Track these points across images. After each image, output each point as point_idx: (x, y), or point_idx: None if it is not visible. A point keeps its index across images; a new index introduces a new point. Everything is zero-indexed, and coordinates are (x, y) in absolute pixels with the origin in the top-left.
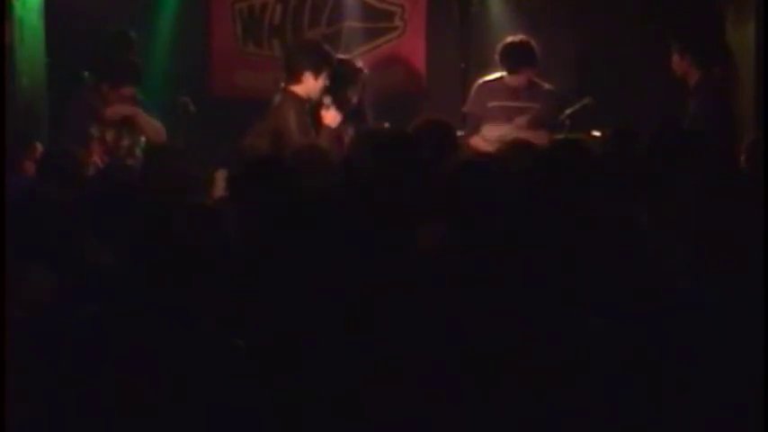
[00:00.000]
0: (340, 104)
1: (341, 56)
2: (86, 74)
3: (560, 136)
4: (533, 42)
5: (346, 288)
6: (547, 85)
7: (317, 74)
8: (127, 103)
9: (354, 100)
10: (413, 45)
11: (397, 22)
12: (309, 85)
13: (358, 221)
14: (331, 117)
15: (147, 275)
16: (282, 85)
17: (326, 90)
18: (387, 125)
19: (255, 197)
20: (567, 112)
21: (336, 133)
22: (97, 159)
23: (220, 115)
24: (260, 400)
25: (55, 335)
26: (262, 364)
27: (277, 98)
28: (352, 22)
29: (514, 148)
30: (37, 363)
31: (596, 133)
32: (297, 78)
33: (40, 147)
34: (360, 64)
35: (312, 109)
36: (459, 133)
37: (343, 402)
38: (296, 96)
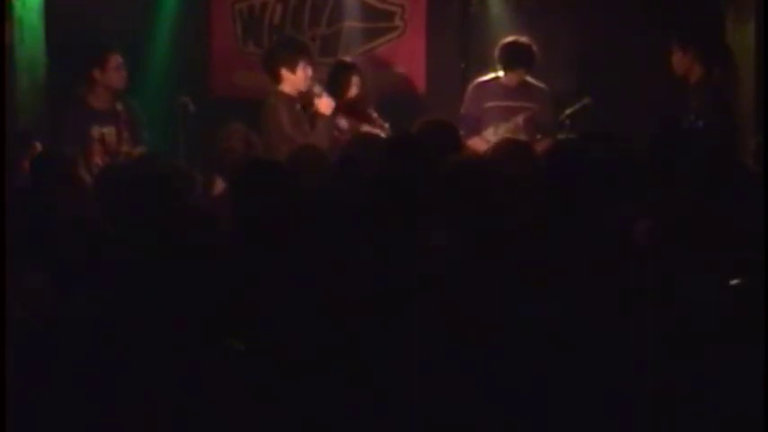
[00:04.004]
0: (334, 98)
1: (340, 56)
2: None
3: (561, 136)
4: (533, 44)
5: (346, 290)
6: (541, 85)
7: (292, 67)
8: (122, 71)
9: (352, 94)
10: (413, 45)
11: (397, 22)
12: (290, 79)
13: (358, 223)
14: (324, 105)
15: (145, 276)
16: (272, 87)
17: (315, 79)
18: (387, 125)
19: (254, 199)
20: (567, 112)
21: (332, 123)
22: (98, 160)
23: (220, 115)
24: (257, 401)
25: (53, 335)
26: (260, 365)
27: (270, 100)
28: (352, 22)
29: (512, 149)
30: (35, 363)
31: None
32: (278, 77)
33: (39, 147)
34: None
35: (304, 102)
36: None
37: (344, 403)
38: (284, 95)
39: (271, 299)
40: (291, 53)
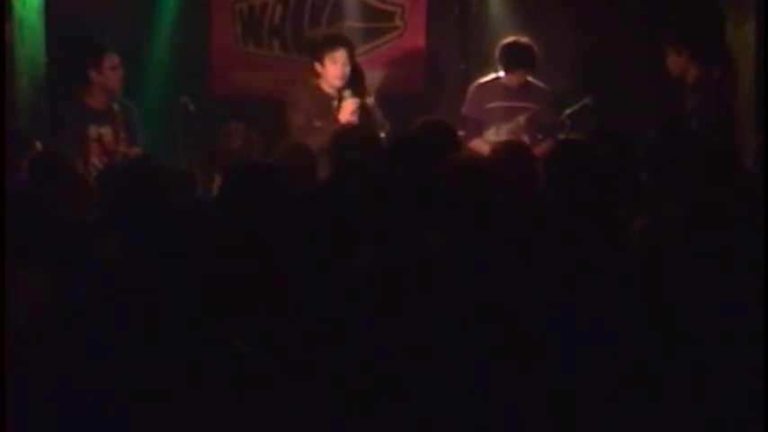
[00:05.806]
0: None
1: None
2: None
3: (561, 136)
4: (533, 44)
5: (346, 290)
6: (542, 85)
7: (321, 62)
8: (118, 71)
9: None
10: (413, 45)
11: (398, 22)
12: (330, 71)
13: (358, 223)
14: (347, 111)
15: (144, 275)
16: (305, 75)
17: (348, 83)
18: (387, 125)
19: (245, 199)
20: (567, 112)
21: None
22: (96, 160)
23: (220, 115)
24: (257, 402)
25: (53, 335)
26: (258, 365)
27: (294, 91)
28: (352, 23)
29: (511, 150)
30: (35, 363)
31: None
32: (321, 65)
33: (39, 146)
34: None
35: (330, 101)
36: (460, 133)
37: (343, 404)
38: (314, 87)
39: (270, 299)
40: (332, 45)
